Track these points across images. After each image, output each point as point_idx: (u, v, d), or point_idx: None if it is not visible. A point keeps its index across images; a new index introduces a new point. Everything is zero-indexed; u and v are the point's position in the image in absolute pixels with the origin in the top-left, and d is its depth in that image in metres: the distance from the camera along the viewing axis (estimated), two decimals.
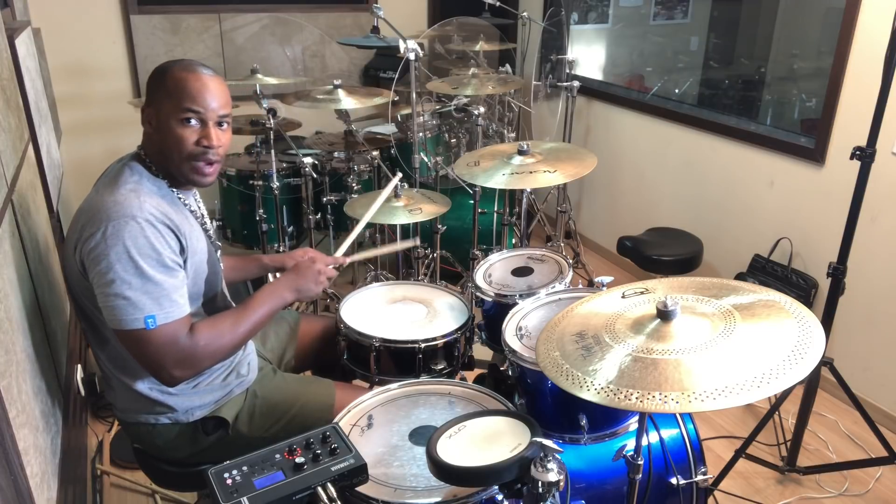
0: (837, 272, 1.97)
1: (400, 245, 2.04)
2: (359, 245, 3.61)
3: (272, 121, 2.79)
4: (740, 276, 3.01)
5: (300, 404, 1.60)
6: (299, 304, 1.97)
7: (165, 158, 1.43)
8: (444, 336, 1.73)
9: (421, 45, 2.57)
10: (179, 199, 1.48)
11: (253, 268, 1.81)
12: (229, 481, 1.11)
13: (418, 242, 2.20)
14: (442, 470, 1.15)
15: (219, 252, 1.60)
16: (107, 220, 1.30)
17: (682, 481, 1.55)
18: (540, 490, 1.12)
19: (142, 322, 1.30)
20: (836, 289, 2.00)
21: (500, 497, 1.22)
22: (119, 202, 1.33)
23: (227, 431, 1.56)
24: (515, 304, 1.76)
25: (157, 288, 1.31)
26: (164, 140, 1.41)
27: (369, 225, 2.11)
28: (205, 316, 1.52)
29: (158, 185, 1.44)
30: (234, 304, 1.65)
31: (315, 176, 3.04)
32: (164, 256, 1.33)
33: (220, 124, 1.44)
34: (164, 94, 1.40)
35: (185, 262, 1.41)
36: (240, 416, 1.58)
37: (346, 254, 1.77)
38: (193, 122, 1.40)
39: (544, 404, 1.56)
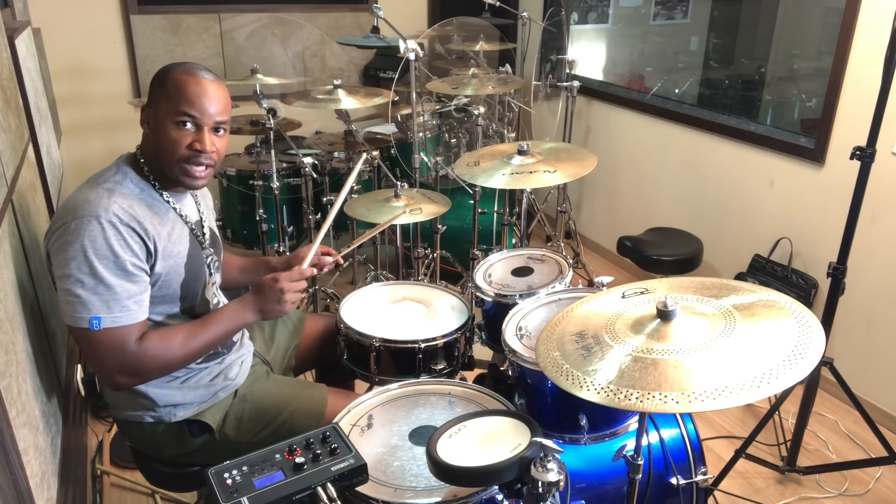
0: (837, 272, 1.97)
1: (362, 238, 1.96)
2: (359, 247, 3.61)
3: (272, 121, 2.79)
4: (740, 276, 3.01)
5: (290, 410, 1.59)
6: (300, 304, 1.93)
7: (158, 159, 1.43)
8: (444, 336, 1.73)
9: (421, 45, 2.57)
10: (168, 202, 1.47)
11: (262, 270, 1.79)
12: (229, 481, 1.11)
13: (381, 222, 2.08)
14: (442, 470, 1.15)
15: (210, 258, 1.58)
16: (73, 216, 1.31)
17: (682, 481, 1.55)
18: (540, 490, 1.12)
19: (87, 322, 1.30)
20: (836, 289, 1.99)
21: (500, 497, 1.22)
22: (90, 200, 1.34)
23: (213, 436, 1.55)
24: (515, 304, 1.76)
25: (109, 291, 1.31)
26: (158, 141, 1.41)
27: (368, 225, 2.09)
28: (183, 319, 1.51)
29: (143, 187, 1.44)
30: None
31: (315, 176, 3.04)
32: (123, 260, 1.33)
33: (216, 130, 1.44)
34: (162, 95, 1.40)
35: (153, 266, 1.40)
36: (226, 420, 1.57)
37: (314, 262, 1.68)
38: (189, 125, 1.40)
39: (544, 404, 1.56)
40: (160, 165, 1.44)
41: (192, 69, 1.42)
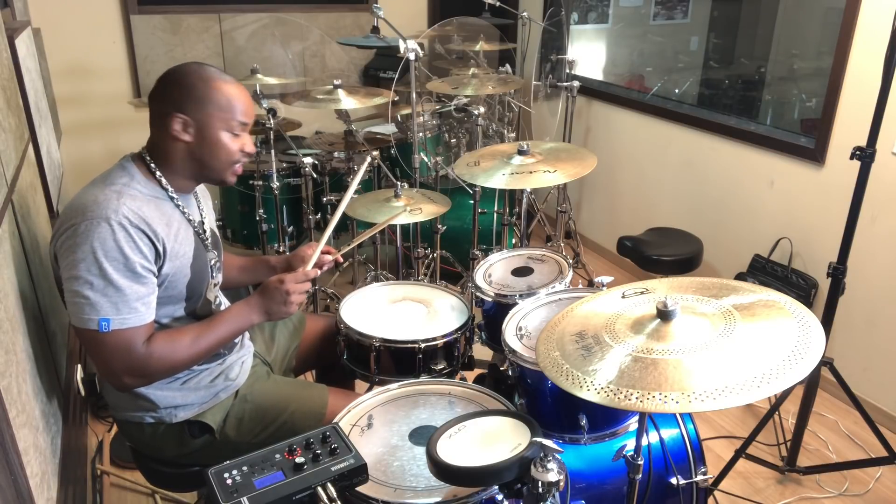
0: (837, 272, 1.97)
1: (361, 236, 1.95)
2: (359, 247, 3.61)
3: (272, 121, 2.79)
4: (740, 276, 3.01)
5: (291, 410, 1.59)
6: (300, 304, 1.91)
7: (203, 165, 1.46)
8: (444, 336, 1.73)
9: (421, 45, 2.57)
10: (178, 205, 1.48)
11: (262, 269, 1.80)
12: (229, 481, 1.11)
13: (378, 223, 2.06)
14: (442, 470, 1.15)
15: (213, 259, 1.58)
16: (82, 217, 1.31)
17: (682, 481, 1.55)
18: (540, 490, 1.12)
19: (95, 323, 1.30)
20: (836, 289, 1.99)
21: (500, 497, 1.22)
22: (98, 202, 1.33)
23: (214, 436, 1.55)
24: (515, 304, 1.76)
25: (118, 293, 1.31)
26: (209, 148, 1.44)
27: (368, 225, 2.09)
28: (187, 320, 1.51)
29: (150, 188, 1.44)
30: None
31: (315, 176, 3.04)
32: (133, 262, 1.33)
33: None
34: (211, 105, 1.42)
35: (161, 267, 1.40)
36: (227, 420, 1.57)
37: (318, 263, 1.67)
38: (239, 132, 1.48)
39: (544, 404, 1.56)
40: (204, 170, 1.48)
41: (227, 76, 1.48)
